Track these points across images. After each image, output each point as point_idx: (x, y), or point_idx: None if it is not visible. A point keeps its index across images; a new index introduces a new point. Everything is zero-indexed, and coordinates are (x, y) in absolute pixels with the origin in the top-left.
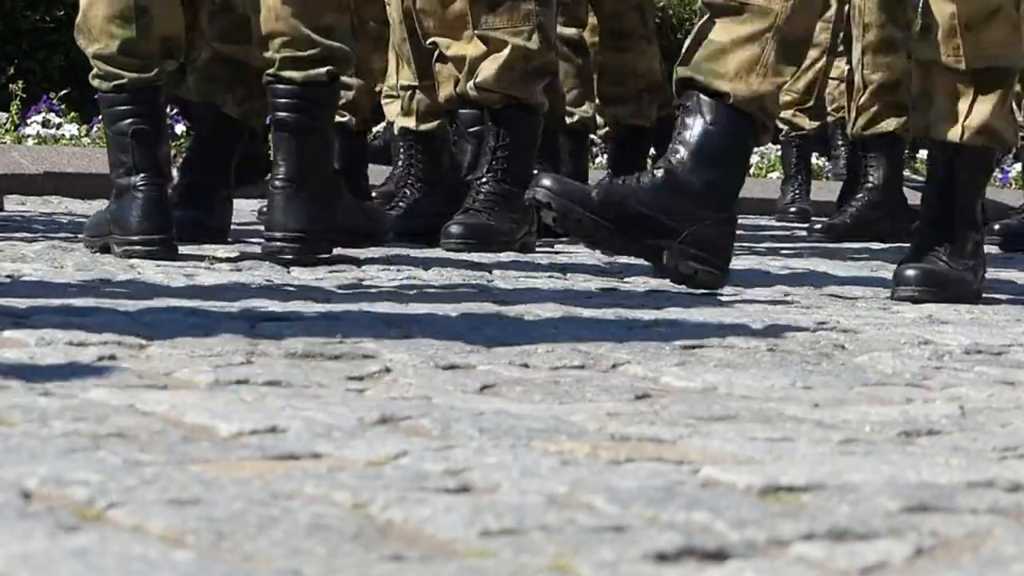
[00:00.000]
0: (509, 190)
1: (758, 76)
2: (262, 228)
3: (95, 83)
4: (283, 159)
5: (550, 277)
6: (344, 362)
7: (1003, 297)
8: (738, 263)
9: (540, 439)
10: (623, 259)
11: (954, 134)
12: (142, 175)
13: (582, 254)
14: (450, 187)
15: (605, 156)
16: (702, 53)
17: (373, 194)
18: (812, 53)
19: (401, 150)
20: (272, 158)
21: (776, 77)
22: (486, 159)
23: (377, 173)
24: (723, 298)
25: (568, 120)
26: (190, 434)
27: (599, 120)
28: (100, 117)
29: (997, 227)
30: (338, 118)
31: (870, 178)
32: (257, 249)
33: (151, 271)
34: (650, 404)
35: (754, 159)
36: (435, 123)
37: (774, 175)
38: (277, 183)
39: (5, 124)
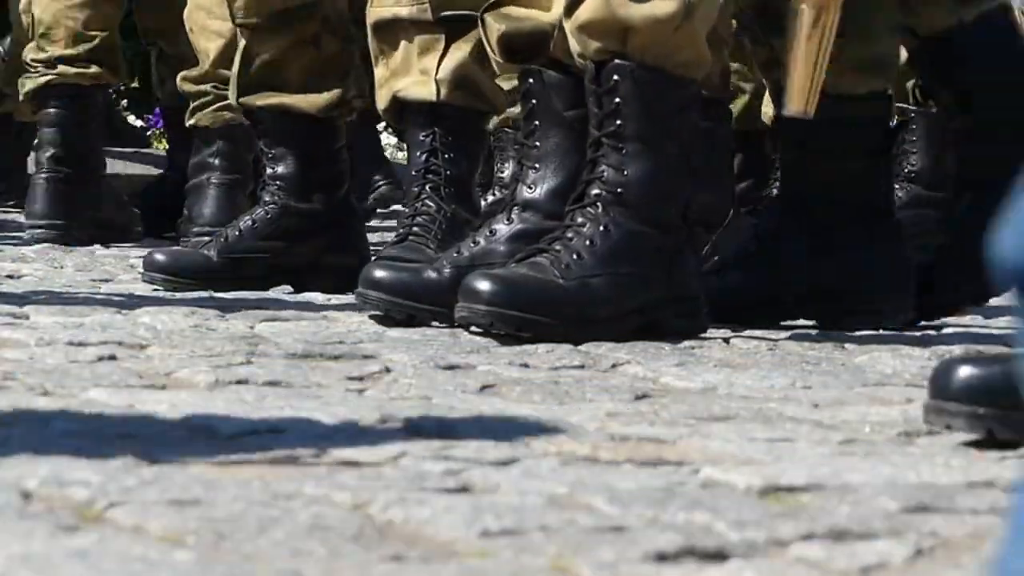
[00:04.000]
0: None
1: None
2: None
3: None
4: None
5: None
6: (344, 362)
7: (1006, 298)
8: None
9: (540, 439)
10: None
11: None
12: None
13: None
14: None
15: None
16: None
17: None
18: None
19: None
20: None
21: None
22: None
23: None
24: None
25: None
26: (190, 434)
27: None
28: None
29: None
30: None
31: None
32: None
33: None
34: (650, 404)
35: None
36: None
37: None
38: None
39: None
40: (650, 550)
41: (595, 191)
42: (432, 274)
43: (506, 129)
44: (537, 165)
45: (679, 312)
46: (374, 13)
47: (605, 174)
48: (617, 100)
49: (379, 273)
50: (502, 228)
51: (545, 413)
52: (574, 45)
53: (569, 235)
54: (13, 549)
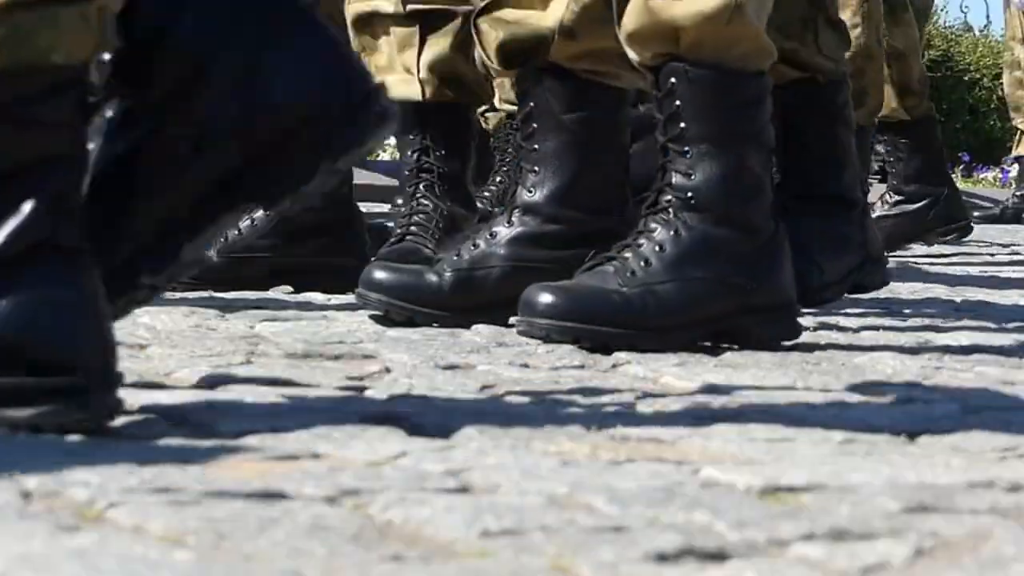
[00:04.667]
0: None
1: None
2: None
3: None
4: None
5: None
6: (344, 362)
7: (1006, 298)
8: None
9: (540, 439)
10: None
11: None
12: None
13: None
14: None
15: None
16: None
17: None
18: None
19: None
20: None
21: None
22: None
23: None
24: None
25: None
26: (190, 434)
27: None
28: None
29: None
30: None
31: None
32: None
33: None
34: (650, 404)
35: None
36: None
37: None
38: None
39: None
40: (650, 550)
41: (666, 198)
42: (433, 278)
43: (506, 129)
44: (536, 168)
45: (764, 319)
46: (353, 9)
47: (674, 179)
48: (677, 103)
49: (379, 274)
50: (502, 231)
51: (545, 413)
52: (631, 55)
53: (640, 241)
54: (13, 549)
